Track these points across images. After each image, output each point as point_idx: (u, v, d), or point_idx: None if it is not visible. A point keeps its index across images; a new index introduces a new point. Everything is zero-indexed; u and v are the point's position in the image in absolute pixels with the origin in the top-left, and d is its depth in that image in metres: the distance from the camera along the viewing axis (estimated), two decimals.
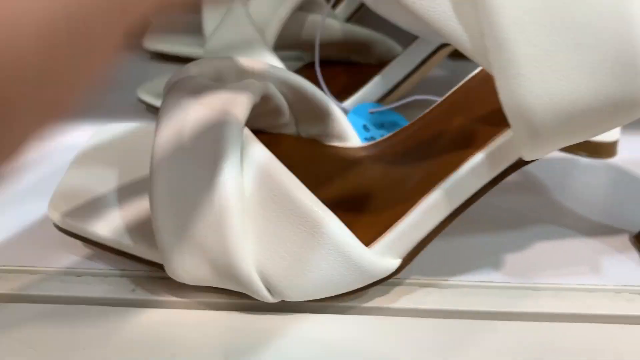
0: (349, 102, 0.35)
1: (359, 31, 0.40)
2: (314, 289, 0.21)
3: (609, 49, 0.15)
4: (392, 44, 0.40)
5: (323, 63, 0.40)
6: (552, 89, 0.16)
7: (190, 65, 0.26)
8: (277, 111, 0.27)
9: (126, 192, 0.26)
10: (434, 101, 0.27)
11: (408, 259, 0.22)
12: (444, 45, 0.35)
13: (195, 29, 0.41)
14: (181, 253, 0.21)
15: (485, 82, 0.23)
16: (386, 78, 0.36)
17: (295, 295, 0.21)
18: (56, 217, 0.25)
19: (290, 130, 0.29)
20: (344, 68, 0.41)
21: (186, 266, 0.21)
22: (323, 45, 0.39)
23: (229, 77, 0.26)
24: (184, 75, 0.25)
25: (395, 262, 0.22)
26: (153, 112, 0.36)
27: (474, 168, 0.20)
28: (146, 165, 0.23)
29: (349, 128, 0.28)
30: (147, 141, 0.28)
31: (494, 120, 0.21)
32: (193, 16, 0.46)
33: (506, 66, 0.17)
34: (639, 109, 0.17)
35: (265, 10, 0.36)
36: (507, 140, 0.20)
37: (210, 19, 0.37)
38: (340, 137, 0.28)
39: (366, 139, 0.31)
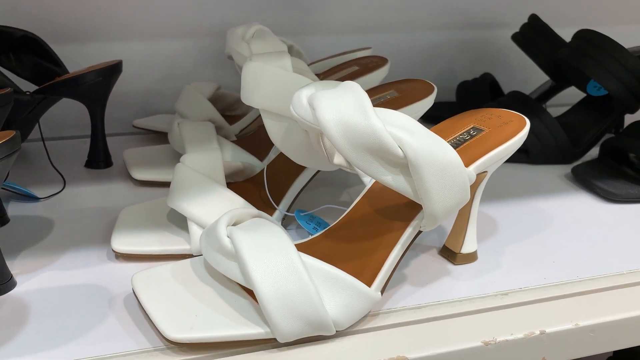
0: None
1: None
2: (353, 318, 0.40)
3: (458, 188, 0.40)
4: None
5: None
6: (444, 203, 0.40)
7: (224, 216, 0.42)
8: None
9: (212, 300, 0.40)
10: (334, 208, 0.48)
11: (382, 290, 0.42)
12: None
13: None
14: (289, 323, 0.37)
15: (380, 196, 0.46)
16: None
17: (345, 324, 0.40)
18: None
19: None
20: None
21: (293, 330, 0.38)
22: None
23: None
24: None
25: (379, 294, 0.42)
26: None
27: (409, 234, 0.42)
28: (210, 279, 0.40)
29: None
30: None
31: (401, 211, 0.44)
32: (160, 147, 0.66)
33: (428, 198, 0.39)
34: (465, 203, 0.42)
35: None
36: (416, 222, 0.43)
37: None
38: None
39: (314, 227, 0.51)
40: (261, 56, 0.51)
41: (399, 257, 0.43)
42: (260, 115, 0.76)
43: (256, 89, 0.49)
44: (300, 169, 0.55)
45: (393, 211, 0.44)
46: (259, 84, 0.49)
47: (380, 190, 0.46)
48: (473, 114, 0.50)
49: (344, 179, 0.66)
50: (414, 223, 0.43)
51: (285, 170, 0.56)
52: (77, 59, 0.74)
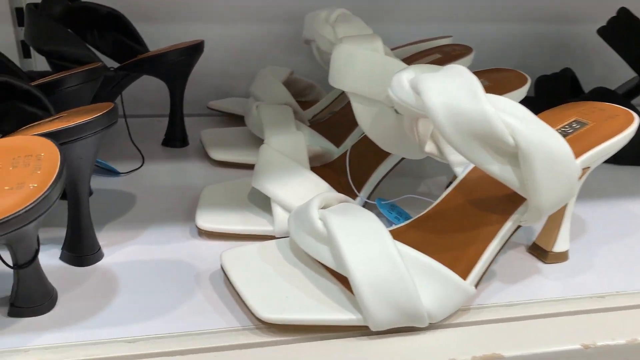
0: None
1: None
2: (447, 311, 0.38)
3: (567, 181, 0.38)
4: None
5: None
6: (552, 197, 0.37)
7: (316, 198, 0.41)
8: None
9: (302, 283, 0.39)
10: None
11: (476, 286, 0.41)
12: None
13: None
14: (383, 311, 0.36)
15: (475, 187, 0.44)
16: None
17: (439, 317, 0.38)
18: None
19: None
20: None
21: (387, 318, 0.36)
22: None
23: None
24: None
25: (474, 288, 0.40)
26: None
27: (507, 228, 0.40)
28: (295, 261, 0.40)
29: None
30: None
31: (500, 204, 0.42)
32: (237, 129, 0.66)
33: (535, 191, 0.37)
34: (571, 198, 0.39)
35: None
36: (516, 216, 0.41)
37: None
38: None
39: (395, 217, 0.49)
40: (352, 39, 0.49)
41: (495, 252, 0.41)
42: (333, 101, 0.75)
43: (347, 72, 0.47)
44: (383, 156, 0.53)
45: (490, 203, 0.43)
46: (350, 67, 0.47)
47: (475, 181, 0.45)
48: (574, 107, 0.47)
49: (420, 169, 0.64)
50: (514, 217, 0.41)
51: (367, 157, 0.54)
52: (155, 38, 0.74)
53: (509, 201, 0.41)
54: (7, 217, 0.31)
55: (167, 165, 0.63)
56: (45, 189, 0.32)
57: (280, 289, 0.39)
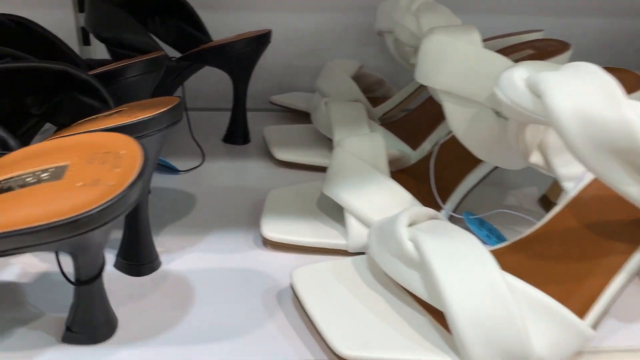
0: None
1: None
2: (560, 357, 0.32)
3: None
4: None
5: None
6: None
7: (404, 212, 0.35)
8: None
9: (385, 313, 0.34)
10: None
11: (594, 327, 0.34)
12: None
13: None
14: (486, 355, 0.30)
15: (594, 208, 0.38)
16: None
17: None
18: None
19: None
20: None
21: None
22: None
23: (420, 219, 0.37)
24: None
25: (593, 331, 0.33)
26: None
27: (637, 260, 0.34)
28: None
29: None
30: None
31: (627, 230, 0.35)
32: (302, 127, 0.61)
33: None
34: None
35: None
36: None
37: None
38: None
39: (486, 235, 0.43)
40: (445, 29, 0.43)
41: (619, 288, 0.34)
42: (406, 98, 0.69)
43: (440, 67, 0.41)
44: (473, 163, 0.47)
45: (613, 228, 0.36)
46: (443, 62, 0.41)
47: (592, 200, 0.38)
48: None
49: (504, 177, 0.57)
50: None
51: (453, 163, 0.48)
52: (219, 27, 0.70)
53: (638, 227, 0.34)
54: (77, 215, 0.26)
55: (229, 164, 0.58)
56: (124, 187, 0.28)
57: (360, 319, 0.34)
